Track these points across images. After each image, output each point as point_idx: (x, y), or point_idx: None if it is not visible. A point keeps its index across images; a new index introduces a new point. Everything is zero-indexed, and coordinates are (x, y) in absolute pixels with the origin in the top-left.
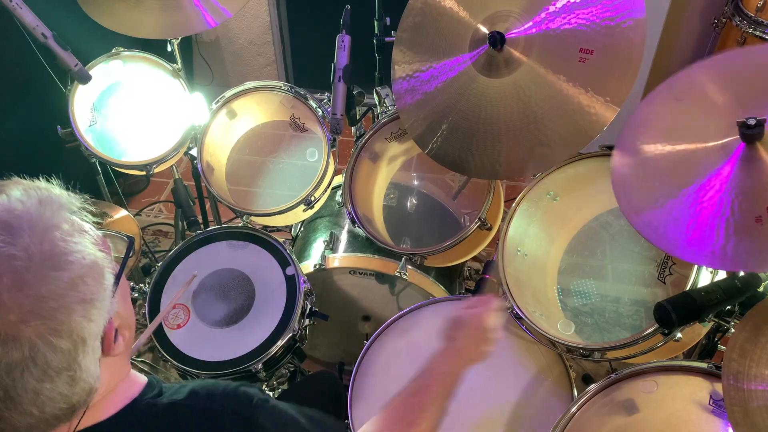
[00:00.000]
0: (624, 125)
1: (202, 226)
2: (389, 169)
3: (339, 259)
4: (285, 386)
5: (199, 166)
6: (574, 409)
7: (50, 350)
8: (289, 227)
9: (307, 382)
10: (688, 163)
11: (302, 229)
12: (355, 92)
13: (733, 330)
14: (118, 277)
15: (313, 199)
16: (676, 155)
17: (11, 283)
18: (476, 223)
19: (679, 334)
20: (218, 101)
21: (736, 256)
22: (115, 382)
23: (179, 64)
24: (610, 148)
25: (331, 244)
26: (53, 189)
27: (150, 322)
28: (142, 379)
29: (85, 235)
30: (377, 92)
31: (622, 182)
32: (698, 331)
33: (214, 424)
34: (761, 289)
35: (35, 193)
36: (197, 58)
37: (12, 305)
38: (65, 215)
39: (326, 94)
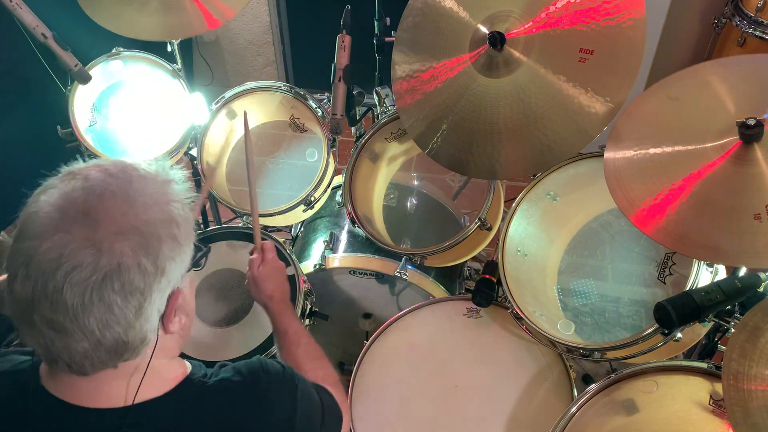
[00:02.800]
0: (617, 119)
1: (202, 226)
2: (389, 169)
3: (339, 259)
4: None
5: (199, 166)
6: (574, 409)
7: (135, 266)
8: (289, 227)
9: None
10: (685, 161)
11: (302, 229)
12: (355, 92)
13: (733, 330)
14: (192, 264)
15: (313, 199)
16: (672, 153)
17: (123, 200)
18: (476, 223)
19: (679, 334)
20: (218, 101)
21: (736, 253)
22: (166, 360)
23: (179, 64)
24: None
25: (331, 244)
26: None
27: None
28: (187, 363)
29: (189, 207)
30: (377, 92)
31: (616, 175)
32: (698, 331)
33: (263, 394)
34: (761, 289)
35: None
36: (197, 58)
37: (117, 219)
38: (183, 186)
39: (326, 94)
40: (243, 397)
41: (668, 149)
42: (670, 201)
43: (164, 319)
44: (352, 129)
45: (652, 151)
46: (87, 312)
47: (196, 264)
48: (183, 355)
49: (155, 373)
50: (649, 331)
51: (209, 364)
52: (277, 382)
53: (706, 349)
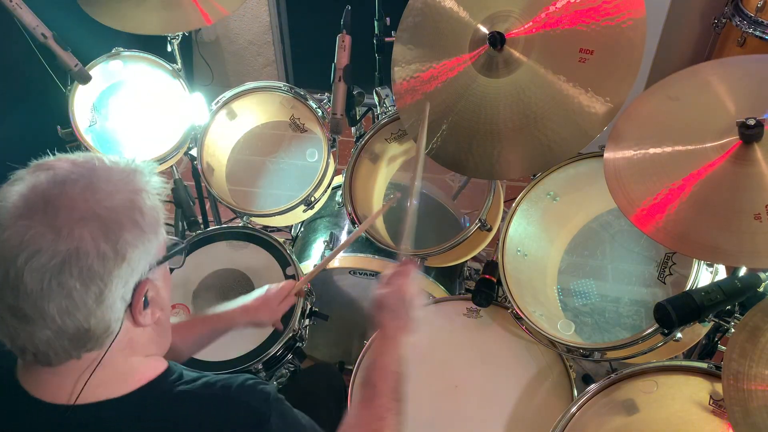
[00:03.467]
0: (617, 119)
1: (202, 226)
2: (389, 169)
3: (339, 259)
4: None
5: (199, 166)
6: (574, 409)
7: (94, 251)
8: (289, 227)
9: (309, 374)
10: (685, 161)
11: (302, 229)
12: (355, 92)
13: (733, 330)
14: (164, 258)
15: (313, 199)
16: (672, 153)
17: (85, 187)
18: (476, 224)
19: (679, 334)
20: (218, 101)
21: (736, 252)
22: (139, 357)
23: (179, 64)
24: None
25: (331, 244)
26: None
27: None
28: (164, 364)
29: (158, 198)
30: (377, 92)
31: (616, 175)
32: (698, 331)
33: (226, 413)
34: (761, 289)
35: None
36: (197, 58)
37: (78, 205)
38: (152, 178)
39: (326, 94)
40: (206, 409)
41: (668, 149)
42: (669, 201)
43: (133, 309)
44: (352, 129)
45: (652, 151)
46: (47, 298)
47: (172, 259)
48: None
49: (118, 372)
50: (649, 331)
51: (209, 365)
52: (246, 401)
53: (706, 349)
